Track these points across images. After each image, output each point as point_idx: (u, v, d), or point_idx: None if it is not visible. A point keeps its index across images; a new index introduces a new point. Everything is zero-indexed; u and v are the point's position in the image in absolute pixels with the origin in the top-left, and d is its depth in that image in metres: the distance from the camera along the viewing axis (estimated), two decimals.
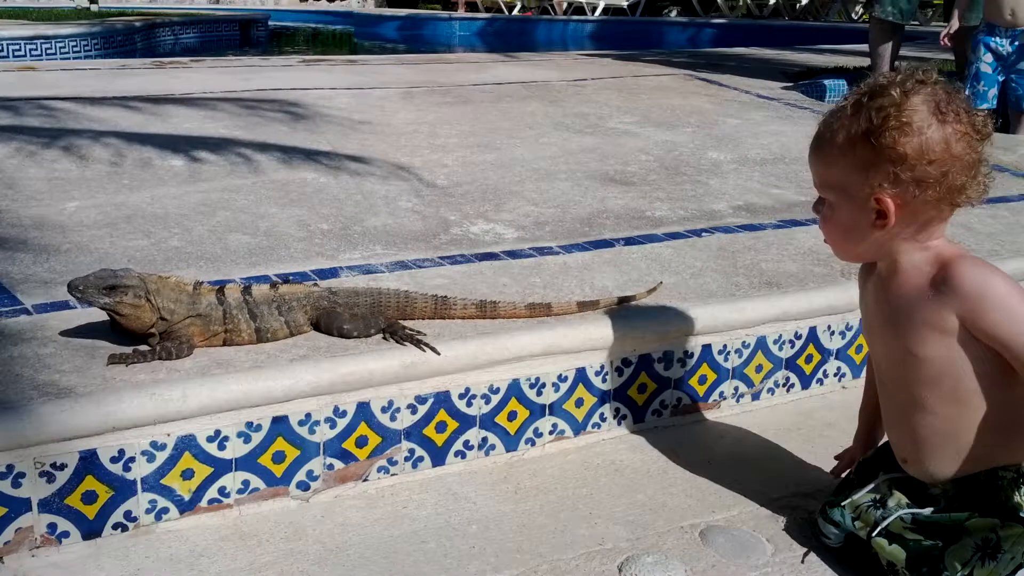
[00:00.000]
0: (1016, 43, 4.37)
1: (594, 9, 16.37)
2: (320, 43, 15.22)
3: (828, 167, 1.46)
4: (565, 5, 17.56)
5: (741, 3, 15.56)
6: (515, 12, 18.17)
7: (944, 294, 1.41)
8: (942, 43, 5.03)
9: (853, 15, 14.78)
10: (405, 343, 1.88)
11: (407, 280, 2.21)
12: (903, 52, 5.45)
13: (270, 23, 14.69)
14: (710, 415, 2.17)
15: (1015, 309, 1.39)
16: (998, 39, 4.40)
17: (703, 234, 2.65)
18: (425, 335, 1.90)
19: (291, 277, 2.17)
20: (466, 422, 1.93)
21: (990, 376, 1.44)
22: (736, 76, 5.70)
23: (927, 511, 1.55)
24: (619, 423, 2.09)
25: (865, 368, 1.83)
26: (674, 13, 16.22)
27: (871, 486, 1.64)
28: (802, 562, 1.64)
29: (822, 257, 2.46)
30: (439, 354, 1.86)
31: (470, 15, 17.55)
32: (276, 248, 2.44)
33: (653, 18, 15.47)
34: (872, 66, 5.38)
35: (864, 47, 6.23)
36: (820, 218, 1.51)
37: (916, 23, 10.65)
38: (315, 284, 2.04)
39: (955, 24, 4.93)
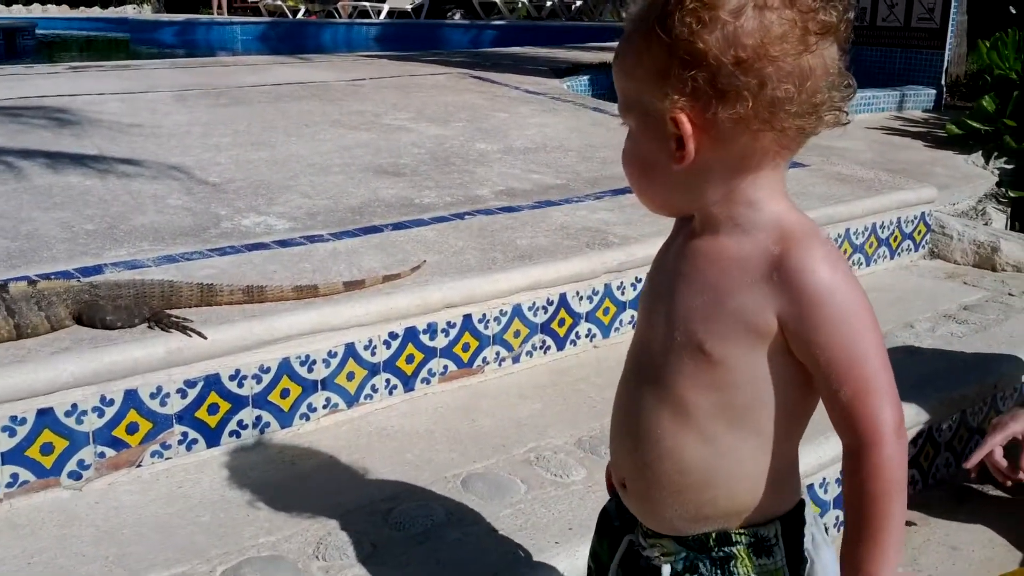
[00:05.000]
0: None
1: (379, 13, 16.43)
2: (94, 51, 14.46)
3: (623, 78, 1.03)
4: (350, 9, 17.53)
5: (520, 6, 16.08)
6: (299, 16, 17.96)
7: (774, 284, 0.99)
8: None
9: (624, 14, 15.62)
10: (170, 330, 1.94)
11: (174, 272, 2.25)
12: None
13: (38, 31, 13.81)
14: (475, 379, 2.34)
15: (860, 333, 1.00)
16: None
17: (466, 217, 2.83)
18: (192, 321, 1.96)
19: (52, 276, 2.16)
20: (238, 402, 2.01)
21: (789, 402, 1.05)
22: (509, 74, 5.96)
23: None
24: (390, 393, 2.22)
25: None
26: (457, 16, 16.55)
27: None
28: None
29: (571, 232, 2.69)
30: (205, 338, 1.93)
31: (253, 19, 17.19)
32: (38, 250, 2.41)
33: (436, 20, 15.73)
34: None
35: None
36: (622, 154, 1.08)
37: None
38: (77, 280, 2.06)
39: None
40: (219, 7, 18.80)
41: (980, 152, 4.15)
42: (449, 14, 16.86)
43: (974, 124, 4.22)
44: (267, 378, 2.03)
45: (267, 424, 2.05)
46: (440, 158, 3.63)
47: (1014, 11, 4.88)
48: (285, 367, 2.05)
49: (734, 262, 1.02)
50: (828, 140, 4.07)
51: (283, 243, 2.54)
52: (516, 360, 2.41)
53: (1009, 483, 2.01)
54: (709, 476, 1.07)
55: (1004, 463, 2.00)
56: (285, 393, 2.06)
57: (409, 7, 16.47)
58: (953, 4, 5.47)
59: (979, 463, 2.04)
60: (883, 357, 1.01)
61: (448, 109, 4.70)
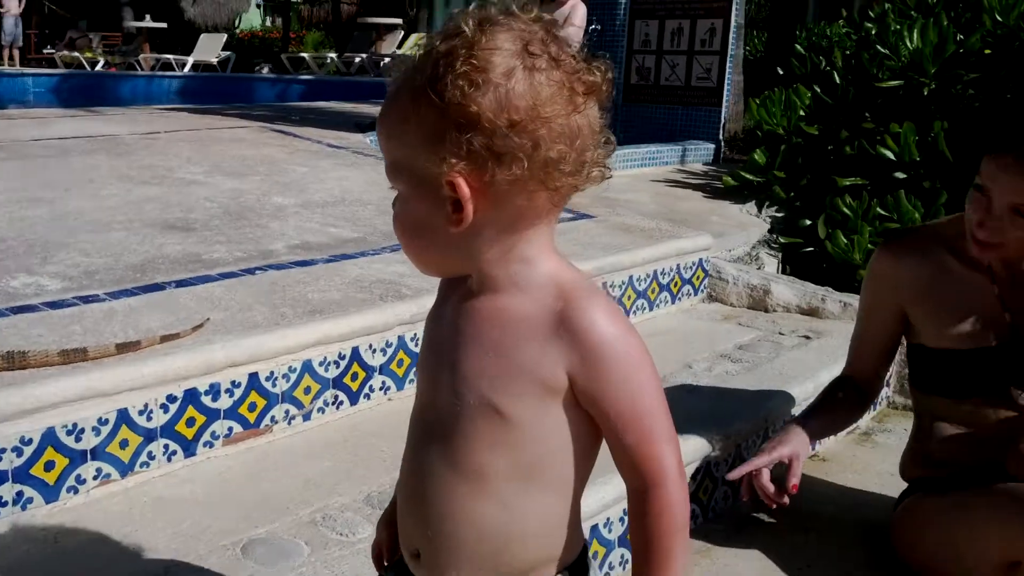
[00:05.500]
0: None
1: (183, 65, 16.01)
2: None
3: (392, 142, 1.03)
4: (152, 61, 17.00)
5: (329, 61, 16.06)
6: (98, 68, 17.24)
7: (562, 340, 1.01)
8: None
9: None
10: None
11: None
12: None
13: None
14: (262, 440, 2.27)
15: (644, 384, 1.04)
16: None
17: (257, 272, 2.77)
18: None
19: None
20: None
21: (581, 452, 1.07)
22: (312, 128, 5.93)
23: None
24: (169, 459, 2.12)
25: None
26: (265, 70, 16.34)
27: None
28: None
29: (365, 285, 2.68)
30: None
31: (47, 71, 16.34)
32: None
33: (243, 74, 15.47)
34: None
35: None
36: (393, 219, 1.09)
37: None
38: None
39: None
40: (11, 58, 17.76)
41: (754, 202, 4.46)
42: (257, 68, 16.64)
43: (747, 176, 4.54)
44: (29, 450, 1.90)
45: (29, 499, 1.91)
46: (234, 212, 3.54)
47: (781, 72, 5.32)
48: (49, 437, 1.92)
49: (517, 321, 1.03)
50: (615, 193, 4.27)
51: (54, 304, 2.39)
52: (307, 417, 2.36)
53: (774, 506, 2.14)
54: (507, 538, 1.07)
55: (771, 487, 2.12)
56: (50, 465, 1.93)
57: (215, 60, 16.13)
58: (728, 65, 5.90)
59: (751, 490, 2.15)
60: (664, 404, 1.06)
61: (246, 163, 4.61)
